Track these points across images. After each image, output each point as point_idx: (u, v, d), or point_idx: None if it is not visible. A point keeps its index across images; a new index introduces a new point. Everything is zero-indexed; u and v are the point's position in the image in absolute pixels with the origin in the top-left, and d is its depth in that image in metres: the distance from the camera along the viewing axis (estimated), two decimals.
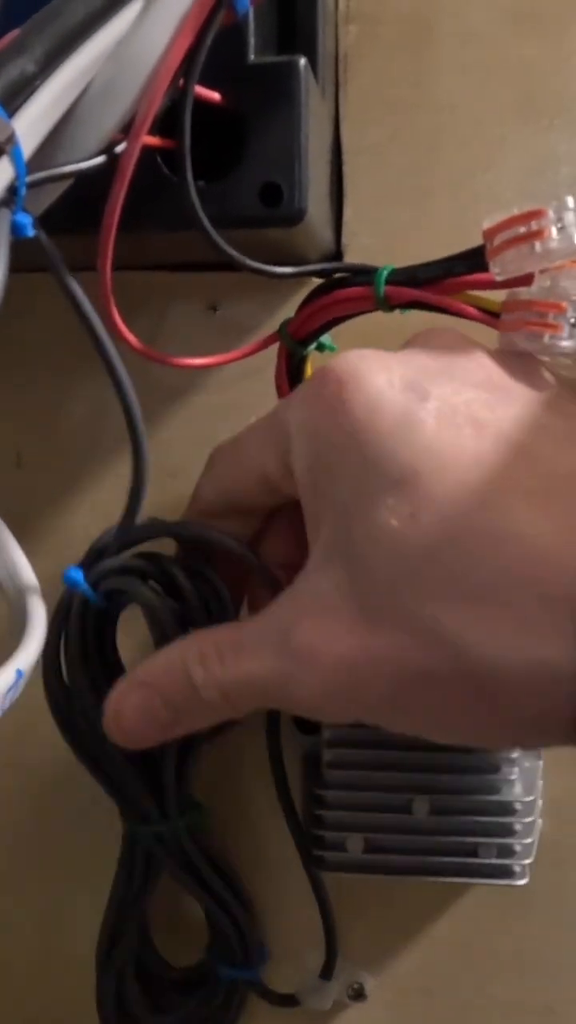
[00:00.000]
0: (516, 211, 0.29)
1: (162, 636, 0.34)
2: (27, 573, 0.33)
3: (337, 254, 0.39)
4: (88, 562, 0.34)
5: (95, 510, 0.40)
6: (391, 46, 0.38)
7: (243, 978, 0.40)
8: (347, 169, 0.38)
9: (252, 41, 0.31)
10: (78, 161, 0.27)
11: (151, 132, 0.29)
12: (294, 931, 0.41)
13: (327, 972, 0.40)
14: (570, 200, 0.29)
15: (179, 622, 0.35)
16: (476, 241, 0.31)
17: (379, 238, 0.38)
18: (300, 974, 0.41)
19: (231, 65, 0.31)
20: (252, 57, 0.31)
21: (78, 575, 0.34)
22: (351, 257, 0.38)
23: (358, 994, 0.41)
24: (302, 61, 0.31)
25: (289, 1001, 0.40)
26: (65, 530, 0.40)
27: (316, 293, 0.34)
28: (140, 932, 0.39)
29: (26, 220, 0.25)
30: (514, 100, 0.37)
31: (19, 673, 0.28)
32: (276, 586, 0.33)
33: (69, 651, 0.35)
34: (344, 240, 0.38)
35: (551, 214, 0.29)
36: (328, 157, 0.37)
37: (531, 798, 0.37)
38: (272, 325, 0.36)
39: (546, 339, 0.30)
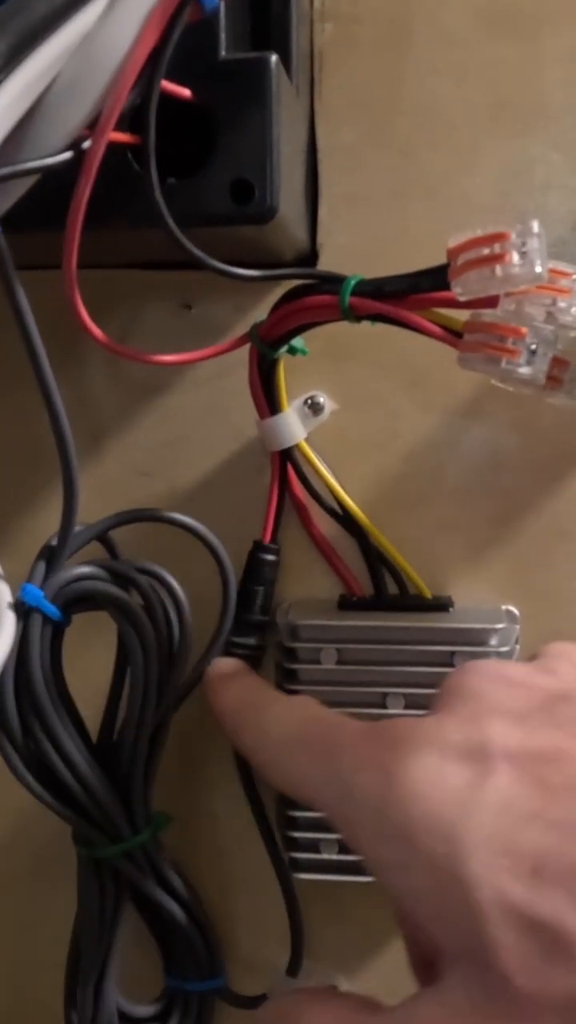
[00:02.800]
0: (480, 231, 0.29)
1: (140, 637, 0.34)
2: None
3: (312, 253, 0.38)
4: (39, 576, 0.34)
5: None
6: (367, 46, 0.37)
7: (212, 988, 0.39)
8: (322, 168, 0.38)
9: (223, 37, 0.31)
10: (43, 157, 0.27)
11: (120, 128, 0.28)
12: (261, 934, 0.41)
13: (292, 972, 0.40)
14: (534, 224, 0.29)
15: (151, 620, 0.35)
16: (447, 247, 0.30)
17: (354, 238, 0.38)
18: (269, 973, 0.40)
19: (202, 61, 0.31)
20: (223, 53, 0.31)
21: (37, 592, 0.33)
22: (326, 257, 0.38)
23: None
24: (273, 58, 0.31)
25: (257, 1003, 0.40)
26: (34, 530, 0.40)
27: (287, 297, 0.34)
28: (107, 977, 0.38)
29: None
30: (489, 102, 0.37)
31: None
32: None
33: (30, 674, 0.34)
34: (319, 239, 0.38)
35: (514, 237, 0.29)
36: (303, 156, 0.37)
37: None
38: (247, 324, 0.36)
39: (503, 364, 0.30)
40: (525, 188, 0.37)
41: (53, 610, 0.34)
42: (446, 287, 0.30)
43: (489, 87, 0.37)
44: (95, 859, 0.37)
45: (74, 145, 0.27)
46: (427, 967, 0.27)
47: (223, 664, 0.37)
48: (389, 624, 0.36)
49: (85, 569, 0.35)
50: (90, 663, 0.37)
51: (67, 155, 0.27)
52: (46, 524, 0.39)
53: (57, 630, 0.35)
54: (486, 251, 0.29)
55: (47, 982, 0.40)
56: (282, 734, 0.31)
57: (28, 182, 0.27)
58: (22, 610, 0.33)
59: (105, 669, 0.37)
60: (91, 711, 0.37)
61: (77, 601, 0.35)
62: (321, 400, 0.38)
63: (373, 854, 0.26)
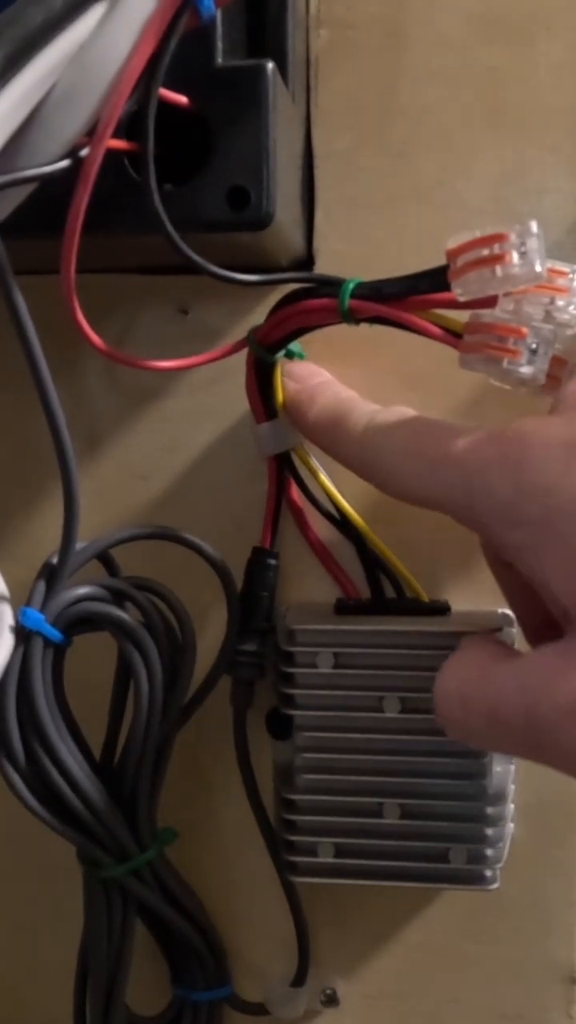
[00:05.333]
0: (479, 233, 0.29)
1: (143, 656, 0.34)
2: None
3: (308, 259, 0.39)
4: (39, 597, 0.34)
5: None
6: (362, 51, 0.38)
7: (220, 997, 0.39)
8: (318, 174, 0.38)
9: (220, 45, 0.31)
10: (41, 165, 0.27)
11: (117, 135, 0.28)
12: (265, 939, 0.41)
13: (299, 979, 0.40)
14: (533, 225, 0.29)
15: (153, 637, 0.35)
16: (446, 249, 0.31)
17: (350, 244, 0.38)
18: (270, 983, 0.40)
19: (199, 68, 0.31)
20: (220, 60, 0.31)
21: (38, 616, 0.33)
22: (322, 262, 0.38)
23: (330, 1000, 0.41)
24: (270, 65, 0.31)
25: (266, 1010, 0.40)
26: (32, 534, 0.40)
27: (284, 301, 0.34)
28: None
29: None
30: (484, 107, 0.37)
31: None
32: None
33: (32, 697, 0.33)
34: (315, 245, 0.38)
35: (513, 238, 0.29)
36: (299, 162, 0.37)
37: (502, 803, 0.37)
38: (243, 329, 0.36)
39: (504, 364, 0.30)
40: (520, 192, 0.37)
41: (55, 633, 0.33)
42: (446, 288, 0.30)
43: (484, 91, 0.37)
44: (102, 878, 0.36)
45: (72, 153, 0.27)
46: (546, 630, 0.30)
47: (298, 369, 0.35)
48: (386, 628, 0.37)
49: (86, 590, 0.34)
50: (89, 678, 0.37)
51: (65, 163, 0.27)
52: (43, 528, 0.40)
53: (58, 652, 0.34)
54: (486, 252, 0.29)
55: (51, 988, 0.40)
56: (394, 446, 0.31)
57: (26, 190, 0.28)
58: (23, 634, 0.33)
59: (104, 683, 0.37)
60: (90, 726, 0.37)
61: (78, 622, 0.34)
62: None
63: (507, 539, 0.28)
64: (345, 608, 0.38)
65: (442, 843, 0.37)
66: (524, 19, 0.37)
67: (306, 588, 0.39)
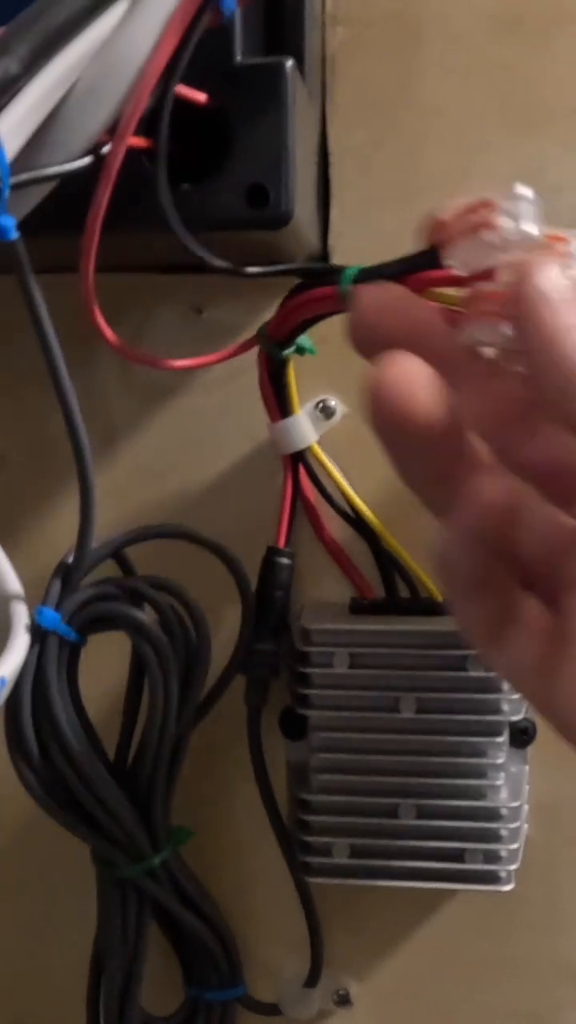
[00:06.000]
0: (466, 201, 0.29)
1: (158, 656, 0.34)
2: (10, 578, 0.33)
3: (324, 256, 0.38)
4: (55, 596, 0.34)
5: (77, 513, 0.40)
6: (378, 49, 0.37)
7: (232, 997, 0.39)
8: (333, 171, 0.38)
9: (239, 42, 0.31)
10: (63, 162, 0.27)
11: (138, 133, 0.28)
12: (278, 939, 0.41)
13: (312, 979, 0.40)
14: (519, 188, 0.28)
15: (168, 636, 0.34)
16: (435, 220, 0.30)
17: (365, 240, 0.38)
18: (283, 983, 0.40)
19: (218, 66, 0.31)
20: (239, 58, 0.31)
21: (53, 615, 0.33)
22: (338, 259, 0.38)
23: (343, 1000, 0.41)
24: (289, 62, 0.31)
25: (278, 1010, 0.40)
26: (47, 532, 0.40)
27: (291, 293, 0.34)
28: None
29: (9, 223, 0.25)
30: (499, 104, 0.37)
31: (2, 681, 0.28)
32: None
33: (48, 696, 0.33)
34: (331, 242, 0.38)
35: (502, 202, 0.28)
36: (315, 159, 0.37)
37: (517, 803, 0.37)
38: (257, 328, 0.36)
39: (504, 329, 0.29)
40: (537, 189, 0.37)
41: (70, 632, 0.33)
42: (443, 264, 0.30)
43: (499, 89, 0.37)
44: (117, 878, 0.36)
45: (93, 150, 0.27)
46: None
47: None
48: (401, 628, 0.36)
49: (101, 589, 0.34)
50: (103, 676, 0.37)
51: (87, 160, 0.27)
52: (59, 526, 0.39)
53: (73, 651, 0.34)
54: (474, 219, 0.28)
55: (64, 989, 0.40)
56: None
57: (47, 187, 0.27)
58: (38, 633, 0.33)
59: (119, 682, 0.37)
60: (105, 726, 0.36)
61: (93, 621, 0.34)
62: (332, 404, 0.38)
63: None
64: (360, 608, 0.38)
65: (457, 843, 0.37)
66: (540, 16, 0.37)
67: (321, 587, 0.39)
